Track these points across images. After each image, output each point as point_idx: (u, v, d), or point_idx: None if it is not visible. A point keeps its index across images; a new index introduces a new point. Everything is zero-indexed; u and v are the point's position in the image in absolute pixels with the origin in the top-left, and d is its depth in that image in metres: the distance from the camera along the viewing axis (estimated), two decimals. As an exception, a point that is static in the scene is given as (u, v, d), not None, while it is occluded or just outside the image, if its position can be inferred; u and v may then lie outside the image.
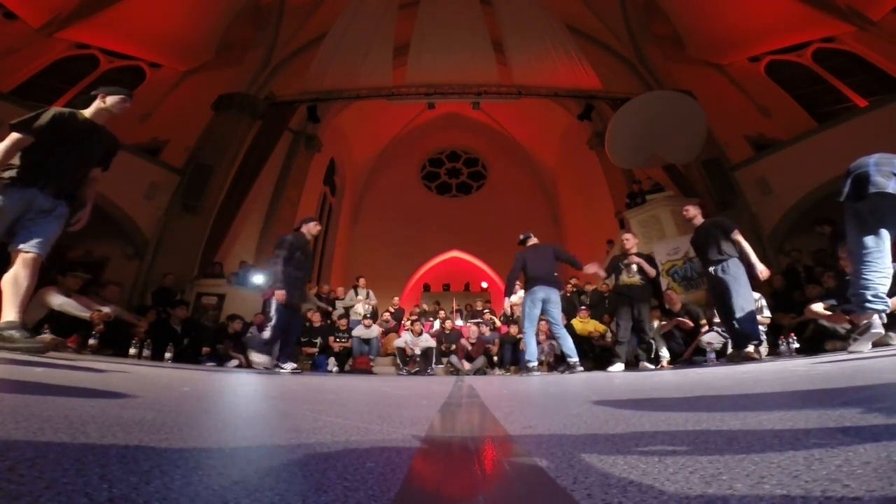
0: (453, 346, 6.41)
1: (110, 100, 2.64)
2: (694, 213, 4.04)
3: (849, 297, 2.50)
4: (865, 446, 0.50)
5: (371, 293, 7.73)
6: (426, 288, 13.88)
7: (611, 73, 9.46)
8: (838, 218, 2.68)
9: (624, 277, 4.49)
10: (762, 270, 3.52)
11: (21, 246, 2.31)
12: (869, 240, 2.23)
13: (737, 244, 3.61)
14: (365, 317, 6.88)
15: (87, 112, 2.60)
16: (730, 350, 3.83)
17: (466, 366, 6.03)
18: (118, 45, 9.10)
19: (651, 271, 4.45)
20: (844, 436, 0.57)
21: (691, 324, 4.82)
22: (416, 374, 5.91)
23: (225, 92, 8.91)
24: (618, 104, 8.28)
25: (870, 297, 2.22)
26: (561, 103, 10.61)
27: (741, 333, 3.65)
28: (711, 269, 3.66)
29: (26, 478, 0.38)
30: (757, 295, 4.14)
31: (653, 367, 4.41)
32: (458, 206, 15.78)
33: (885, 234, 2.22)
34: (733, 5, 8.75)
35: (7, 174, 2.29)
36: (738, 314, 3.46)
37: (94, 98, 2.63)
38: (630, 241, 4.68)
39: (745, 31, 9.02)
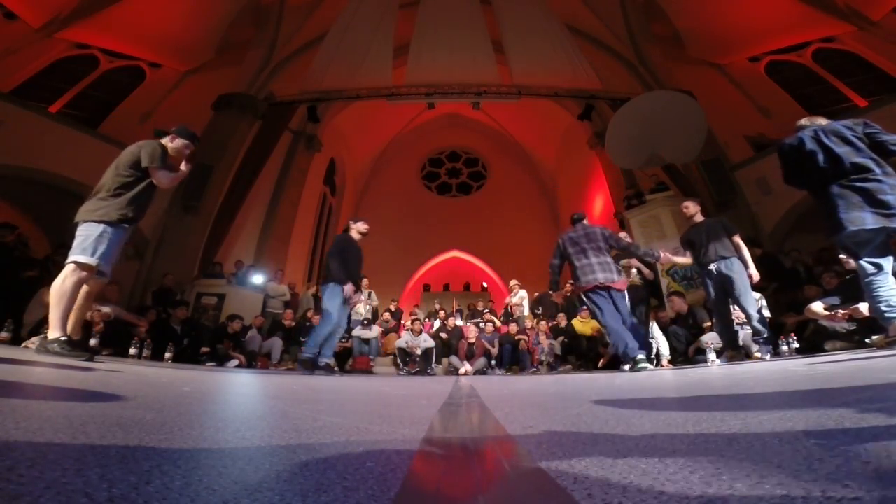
0: (461, 340, 6.43)
1: (178, 142, 2.83)
2: (694, 210, 4.05)
3: (870, 312, 2.60)
4: (865, 446, 0.50)
5: (373, 294, 7.74)
6: (426, 288, 13.87)
7: (611, 73, 9.46)
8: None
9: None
10: (753, 275, 3.59)
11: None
12: (866, 266, 2.34)
13: (737, 246, 3.68)
14: (365, 318, 6.88)
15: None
16: (727, 350, 3.82)
17: (466, 366, 6.03)
18: (118, 45, 9.09)
19: (649, 274, 4.49)
20: (844, 436, 0.57)
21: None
22: (416, 374, 5.91)
23: (225, 92, 8.91)
24: (618, 104, 8.28)
25: (884, 308, 2.30)
26: (561, 103, 10.60)
27: (735, 334, 3.67)
28: (713, 266, 3.67)
29: (26, 478, 0.38)
30: (757, 295, 4.14)
31: (653, 367, 4.41)
32: (458, 206, 15.77)
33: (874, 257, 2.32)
34: (733, 5, 8.75)
35: (122, 213, 2.52)
36: (750, 313, 3.50)
37: (164, 133, 2.84)
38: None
39: (745, 31, 9.02)
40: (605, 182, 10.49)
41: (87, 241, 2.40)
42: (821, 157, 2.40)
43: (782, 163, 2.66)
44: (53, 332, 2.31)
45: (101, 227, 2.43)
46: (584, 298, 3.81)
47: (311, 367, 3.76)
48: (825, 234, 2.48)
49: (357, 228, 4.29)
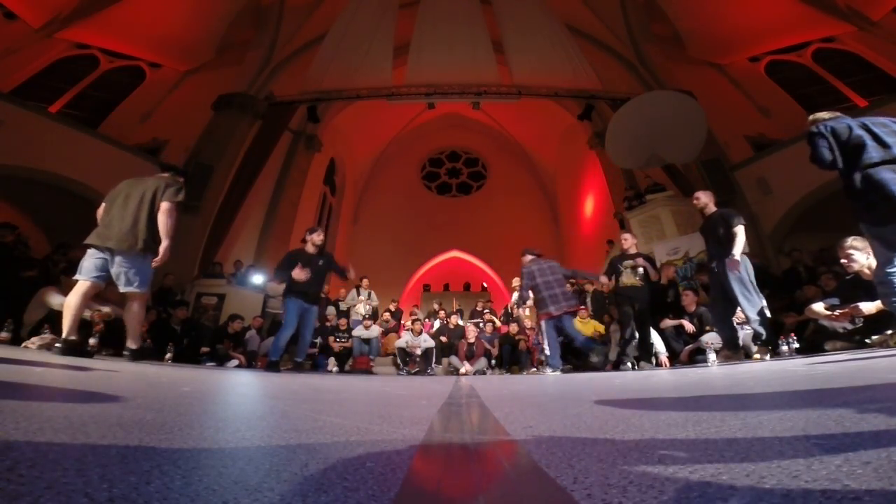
0: (459, 341, 6.43)
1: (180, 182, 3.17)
2: (706, 200, 3.83)
3: (880, 300, 2.53)
4: (865, 446, 0.50)
5: (373, 294, 7.74)
6: (426, 288, 13.86)
7: (611, 73, 9.46)
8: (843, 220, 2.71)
9: (624, 279, 4.49)
10: (732, 259, 3.35)
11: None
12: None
13: (731, 237, 3.46)
14: (365, 317, 6.88)
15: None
16: (723, 349, 3.78)
17: (467, 366, 6.03)
18: (118, 45, 9.10)
19: (655, 275, 4.49)
20: (844, 436, 0.57)
21: (692, 328, 4.76)
22: (416, 374, 5.91)
23: (225, 92, 8.91)
24: (618, 104, 8.28)
25: None
26: (561, 103, 10.60)
27: (733, 334, 3.64)
28: (714, 264, 3.60)
29: (26, 478, 0.38)
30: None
31: (652, 366, 4.41)
32: (458, 206, 15.76)
33: None
34: (733, 5, 8.75)
35: (155, 247, 2.93)
36: (748, 313, 3.38)
37: (170, 167, 3.23)
38: (628, 242, 4.67)
39: (745, 31, 9.03)
40: (604, 182, 10.49)
41: (147, 275, 2.94)
42: (869, 143, 2.37)
43: (814, 143, 2.54)
44: (133, 344, 3.00)
45: (149, 259, 2.90)
46: (543, 322, 4.60)
47: (276, 369, 4.09)
48: (875, 222, 2.33)
49: (311, 240, 4.41)
